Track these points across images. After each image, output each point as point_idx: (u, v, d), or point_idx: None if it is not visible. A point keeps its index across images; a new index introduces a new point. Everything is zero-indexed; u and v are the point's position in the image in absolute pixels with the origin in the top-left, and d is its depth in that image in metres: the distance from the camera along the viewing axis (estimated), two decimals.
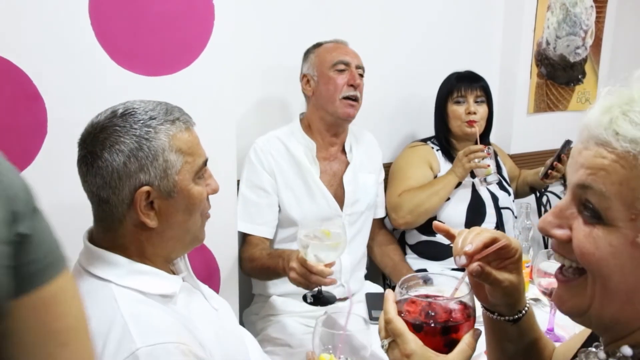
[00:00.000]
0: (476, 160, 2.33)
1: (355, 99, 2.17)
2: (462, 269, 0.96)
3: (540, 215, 3.06)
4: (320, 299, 1.76)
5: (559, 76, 3.28)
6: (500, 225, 2.53)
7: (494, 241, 0.94)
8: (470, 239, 0.94)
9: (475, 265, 0.92)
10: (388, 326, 0.91)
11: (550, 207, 3.14)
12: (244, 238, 2.20)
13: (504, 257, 0.96)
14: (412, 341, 0.89)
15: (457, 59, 2.77)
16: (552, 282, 1.60)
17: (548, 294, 1.65)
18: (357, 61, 2.20)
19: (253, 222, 2.16)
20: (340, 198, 2.25)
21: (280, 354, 2.07)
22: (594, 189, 0.72)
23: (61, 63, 1.61)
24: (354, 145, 2.33)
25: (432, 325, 0.91)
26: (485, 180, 2.39)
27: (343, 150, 2.32)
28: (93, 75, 1.65)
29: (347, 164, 2.30)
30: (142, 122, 1.18)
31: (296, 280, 1.73)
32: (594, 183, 0.72)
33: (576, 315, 0.82)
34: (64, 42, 1.60)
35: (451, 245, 0.98)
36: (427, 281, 1.02)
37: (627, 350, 0.76)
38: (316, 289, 1.77)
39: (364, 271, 2.41)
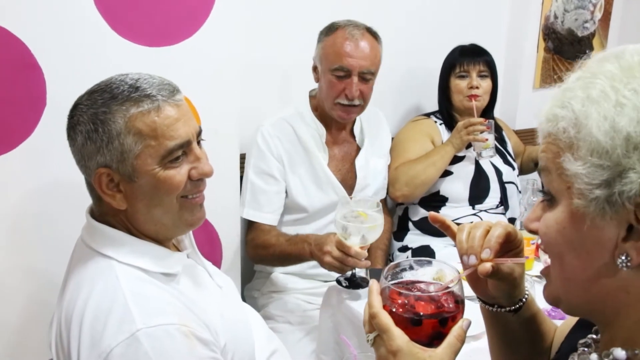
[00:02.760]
0: (475, 133, 2.30)
1: (351, 106, 2.07)
2: None
3: None
4: (355, 282, 1.75)
5: (566, 51, 3.23)
6: (504, 200, 2.51)
7: (507, 237, 0.93)
8: (479, 238, 0.92)
9: (488, 266, 0.89)
10: (373, 321, 0.87)
11: None
12: (249, 223, 2.15)
13: (510, 249, 0.96)
14: (399, 337, 0.84)
15: (464, 32, 2.72)
16: None
17: None
18: (362, 65, 2.02)
19: (261, 210, 2.11)
20: (348, 183, 2.21)
21: (280, 331, 2.06)
22: (541, 167, 0.79)
23: (60, 33, 1.56)
24: (365, 127, 2.27)
25: (419, 317, 0.86)
26: (480, 154, 2.35)
27: (351, 132, 2.26)
28: (93, 45, 1.61)
29: (357, 147, 2.24)
30: (102, 101, 1.12)
31: (331, 264, 1.72)
32: (541, 162, 0.79)
33: (554, 304, 0.83)
34: (63, 11, 1.56)
35: (455, 222, 0.95)
36: (413, 267, 0.97)
37: (619, 353, 0.75)
38: (349, 272, 1.76)
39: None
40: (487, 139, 2.29)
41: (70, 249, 1.25)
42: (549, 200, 0.78)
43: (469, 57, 2.50)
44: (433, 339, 0.86)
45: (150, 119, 1.12)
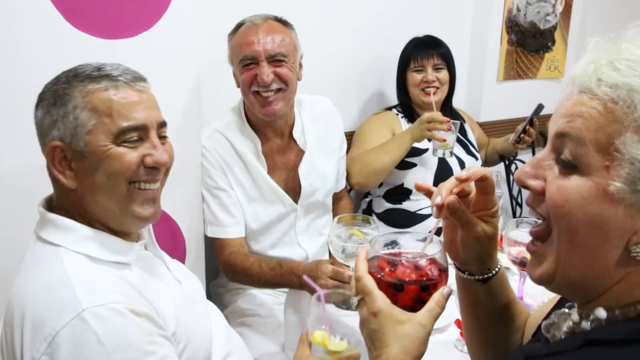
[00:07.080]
0: (435, 131, 2.24)
1: (268, 92, 1.92)
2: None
3: (509, 183, 3.07)
4: (352, 304, 1.68)
5: (528, 43, 3.27)
6: None
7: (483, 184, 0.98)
8: (444, 185, 0.97)
9: (452, 197, 0.92)
10: (357, 284, 0.90)
11: None
12: (217, 243, 2.05)
13: (483, 207, 0.98)
14: (380, 299, 0.87)
15: (428, 25, 2.73)
16: (521, 251, 1.59)
17: (518, 262, 1.63)
18: (267, 49, 1.90)
19: (224, 224, 2.03)
20: (295, 191, 2.11)
21: (251, 324, 2.04)
22: (571, 135, 0.73)
23: (11, 23, 1.51)
24: (306, 127, 2.13)
25: (402, 283, 0.89)
26: (436, 150, 2.31)
27: (291, 136, 2.11)
28: (46, 37, 1.56)
29: (301, 151, 2.12)
30: (65, 79, 1.15)
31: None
32: (571, 130, 0.73)
33: (546, 282, 0.82)
34: (13, 1, 1.50)
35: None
36: (396, 243, 1.02)
37: (601, 312, 0.76)
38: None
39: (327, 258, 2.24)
40: (445, 140, 2.24)
41: (23, 245, 1.21)
42: (568, 167, 0.74)
43: (422, 51, 2.50)
44: (416, 305, 0.89)
45: (107, 96, 1.13)
